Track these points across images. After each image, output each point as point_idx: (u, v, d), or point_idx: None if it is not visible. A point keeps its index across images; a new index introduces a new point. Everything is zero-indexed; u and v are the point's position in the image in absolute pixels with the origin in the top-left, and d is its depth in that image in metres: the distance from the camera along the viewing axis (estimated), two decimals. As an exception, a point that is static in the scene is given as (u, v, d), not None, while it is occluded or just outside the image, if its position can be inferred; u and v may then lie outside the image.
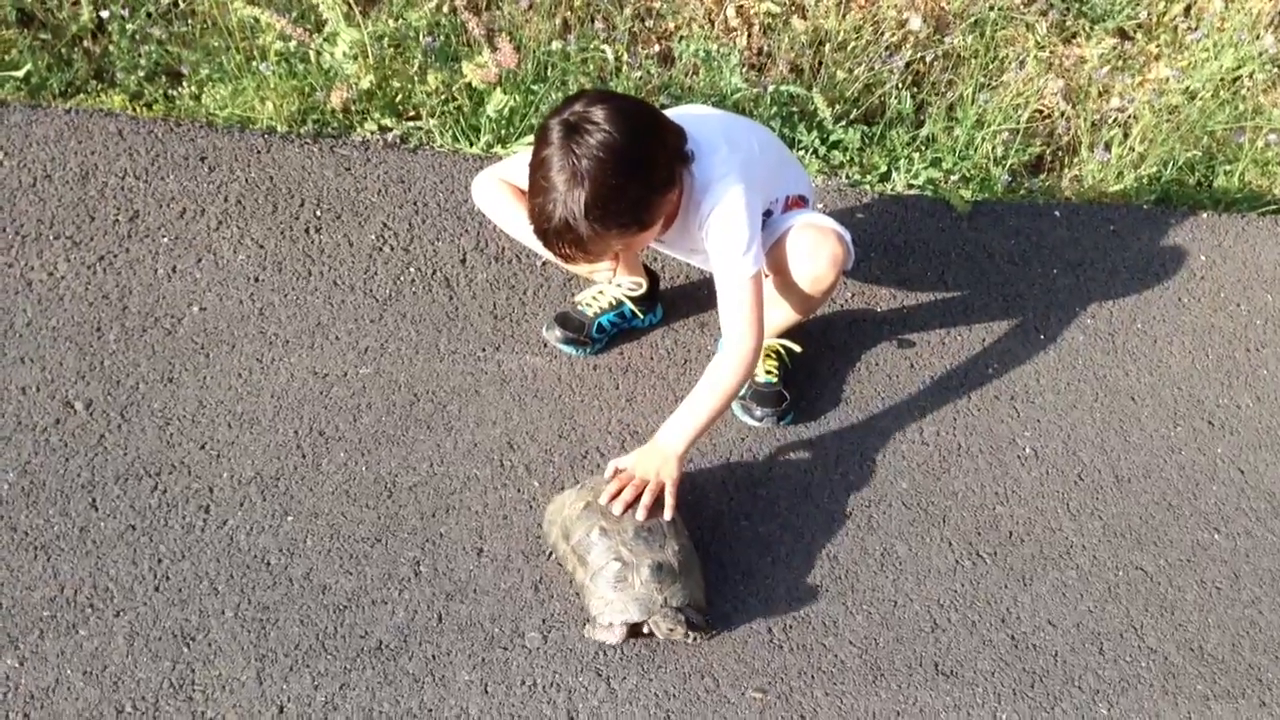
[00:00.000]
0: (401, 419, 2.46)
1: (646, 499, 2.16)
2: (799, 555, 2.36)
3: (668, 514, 2.18)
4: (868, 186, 3.19)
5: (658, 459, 2.21)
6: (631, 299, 2.64)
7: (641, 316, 2.68)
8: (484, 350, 2.62)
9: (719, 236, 2.16)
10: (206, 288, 2.62)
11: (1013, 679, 2.22)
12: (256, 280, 2.65)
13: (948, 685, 2.20)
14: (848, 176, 3.23)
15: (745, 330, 2.17)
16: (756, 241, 2.17)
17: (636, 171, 1.99)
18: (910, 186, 3.23)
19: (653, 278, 2.67)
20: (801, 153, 3.20)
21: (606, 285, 2.63)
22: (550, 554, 2.27)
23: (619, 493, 2.17)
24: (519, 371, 2.59)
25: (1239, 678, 2.27)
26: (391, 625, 2.14)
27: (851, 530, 2.41)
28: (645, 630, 2.12)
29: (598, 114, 1.94)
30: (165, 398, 2.41)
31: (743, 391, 2.52)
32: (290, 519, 2.26)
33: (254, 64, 3.08)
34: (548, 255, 2.16)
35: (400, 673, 2.08)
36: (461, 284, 2.74)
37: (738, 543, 2.36)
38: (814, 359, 2.70)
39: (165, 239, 2.69)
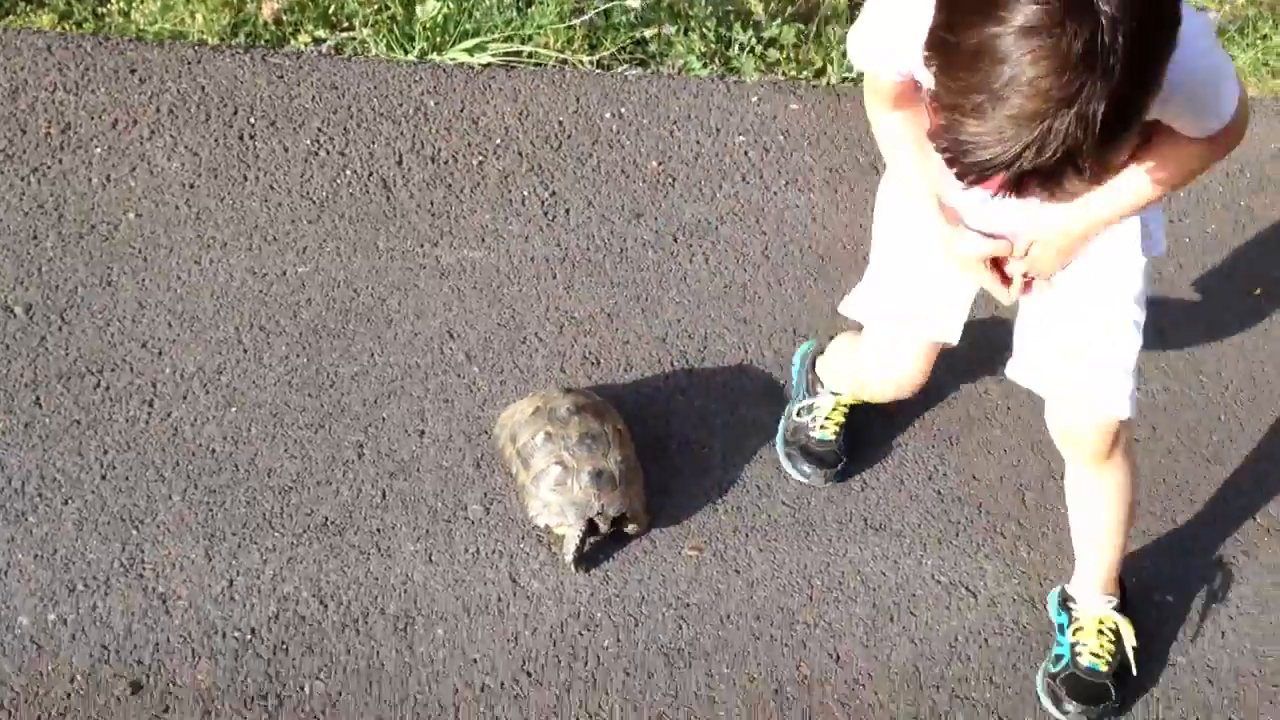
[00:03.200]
0: (341, 313, 2.51)
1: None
2: (734, 426, 2.43)
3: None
4: (803, 82, 3.23)
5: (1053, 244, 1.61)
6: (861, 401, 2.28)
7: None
8: (422, 246, 2.66)
9: (1203, 101, 1.45)
10: (141, 195, 2.64)
11: (938, 530, 2.32)
12: (192, 187, 2.68)
13: (876, 538, 2.29)
14: (784, 73, 3.27)
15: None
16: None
17: (1173, 7, 1.19)
18: (844, 80, 3.27)
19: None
20: (738, 50, 3.23)
21: (824, 399, 2.31)
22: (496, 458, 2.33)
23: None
24: (457, 265, 2.64)
25: (1154, 521, 2.37)
26: (336, 503, 2.21)
27: (784, 402, 2.49)
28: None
29: None
30: (104, 300, 2.44)
31: (1054, 665, 2.09)
32: (234, 410, 2.32)
33: (181, -25, 3.07)
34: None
35: (346, 546, 2.15)
36: (398, 184, 2.78)
37: (674, 416, 2.43)
38: (745, 242, 2.76)
39: (98, 149, 2.71)
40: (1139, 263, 1.76)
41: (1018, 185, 1.19)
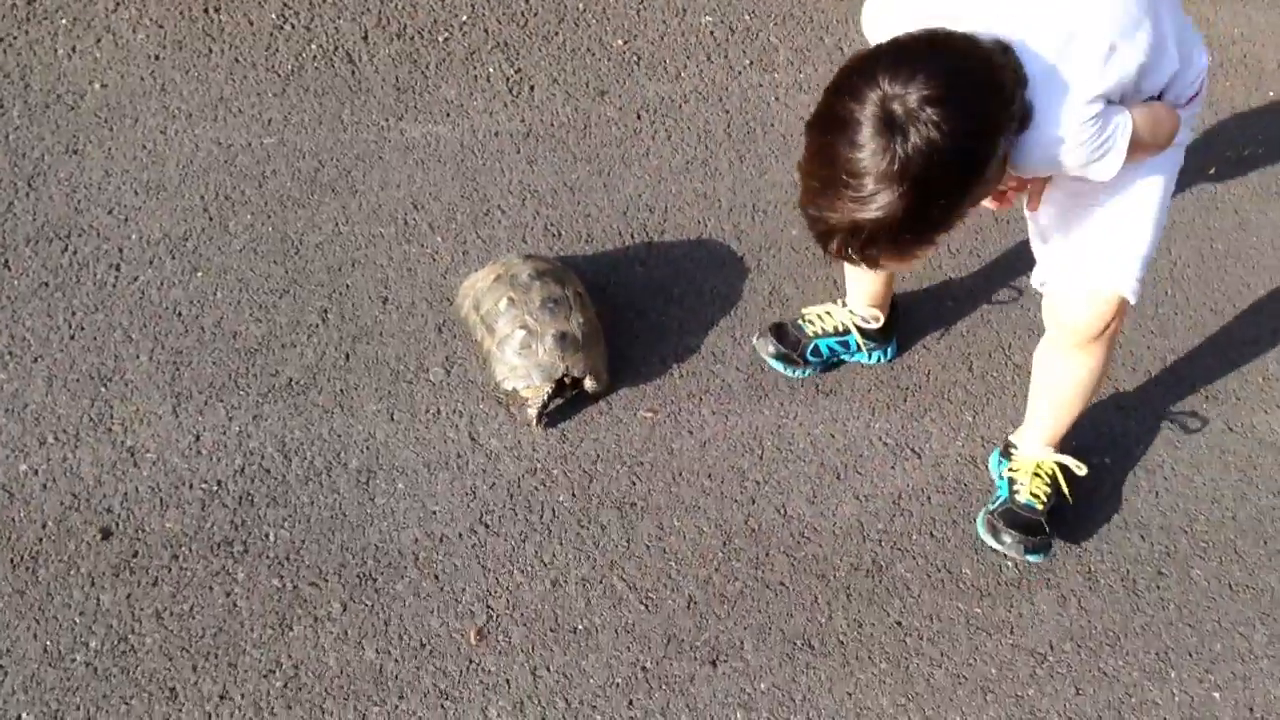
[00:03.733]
0: (306, 184, 2.54)
1: None
2: (691, 296, 2.49)
3: None
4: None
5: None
6: (861, 330, 2.36)
7: (867, 353, 2.39)
8: (387, 120, 2.69)
9: (1080, 173, 1.71)
10: (107, 65, 2.66)
11: (887, 395, 2.39)
12: (157, 58, 2.70)
13: (827, 402, 2.36)
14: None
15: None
16: (1114, 136, 1.66)
17: (967, 175, 1.52)
18: (813, -37, 3.26)
19: (893, 311, 2.39)
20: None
21: (838, 308, 2.36)
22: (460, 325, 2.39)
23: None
24: (422, 139, 2.67)
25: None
26: (301, 365, 2.27)
27: (741, 273, 2.54)
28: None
29: (926, 110, 1.44)
30: (71, 168, 2.47)
31: (993, 504, 2.18)
32: (200, 275, 2.37)
33: None
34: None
35: (310, 405, 2.22)
36: (364, 59, 2.79)
37: (632, 286, 2.49)
38: (709, 120, 2.80)
39: (64, 20, 2.72)
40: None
41: (840, 246, 1.53)
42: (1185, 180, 2.79)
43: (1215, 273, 2.68)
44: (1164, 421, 2.43)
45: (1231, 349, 2.55)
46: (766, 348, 2.35)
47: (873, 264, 1.56)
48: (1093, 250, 1.89)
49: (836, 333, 2.35)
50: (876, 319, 2.34)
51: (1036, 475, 2.17)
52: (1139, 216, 1.87)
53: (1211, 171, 2.85)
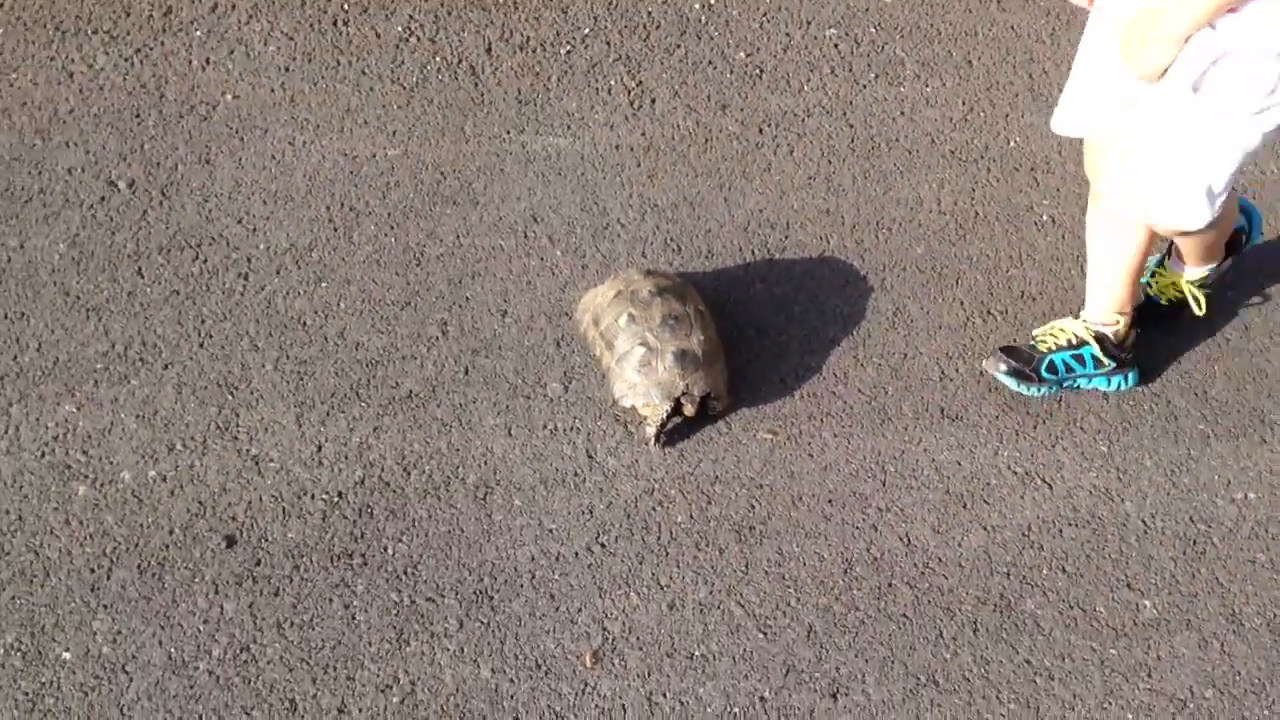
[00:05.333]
0: (429, 195, 2.55)
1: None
2: (812, 314, 2.44)
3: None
4: (897, -24, 3.15)
5: (1143, 32, 1.76)
6: (1099, 340, 2.23)
7: (1106, 377, 2.26)
8: (509, 133, 2.69)
9: None
10: (239, 77, 2.71)
11: (1016, 422, 2.30)
12: (287, 70, 2.74)
13: (952, 428, 2.29)
14: (878, -32, 3.19)
15: None
16: None
17: None
18: (940, -27, 3.18)
19: (1135, 328, 2.26)
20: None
21: (1069, 320, 2.27)
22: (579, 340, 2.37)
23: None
24: (543, 151, 2.66)
25: (1241, 418, 2.33)
26: (421, 377, 2.27)
27: (865, 291, 2.48)
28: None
29: None
30: (203, 178, 2.52)
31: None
32: (324, 285, 2.39)
33: None
34: None
35: (429, 418, 2.22)
36: (487, 72, 2.80)
37: (753, 303, 2.45)
38: (833, 134, 2.74)
39: (198, 33, 2.78)
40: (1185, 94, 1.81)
41: None
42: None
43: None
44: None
45: (1389, 382, 2.41)
46: (998, 366, 2.25)
47: None
48: (1151, 179, 1.90)
49: (1070, 345, 2.23)
50: (1116, 325, 2.21)
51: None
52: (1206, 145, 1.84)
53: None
